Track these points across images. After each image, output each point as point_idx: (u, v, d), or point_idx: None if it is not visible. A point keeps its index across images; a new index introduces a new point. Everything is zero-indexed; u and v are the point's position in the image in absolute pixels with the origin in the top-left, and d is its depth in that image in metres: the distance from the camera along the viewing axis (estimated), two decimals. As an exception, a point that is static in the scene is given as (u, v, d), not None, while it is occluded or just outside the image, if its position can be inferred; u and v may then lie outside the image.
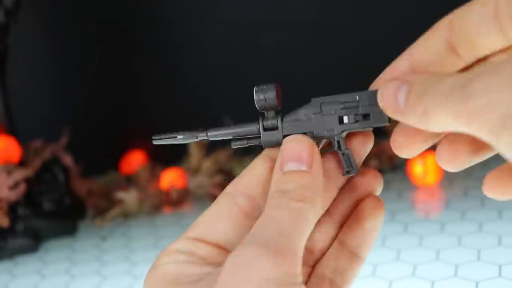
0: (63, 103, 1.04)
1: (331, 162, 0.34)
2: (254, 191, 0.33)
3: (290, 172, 0.31)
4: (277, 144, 0.34)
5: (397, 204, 0.82)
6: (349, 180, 0.34)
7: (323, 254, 0.35)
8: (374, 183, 0.34)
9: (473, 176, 0.85)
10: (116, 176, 1.01)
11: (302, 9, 1.00)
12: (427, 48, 0.31)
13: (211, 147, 0.95)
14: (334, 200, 0.34)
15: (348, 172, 0.33)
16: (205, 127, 0.35)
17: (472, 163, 0.30)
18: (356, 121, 0.33)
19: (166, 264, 0.31)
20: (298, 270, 0.28)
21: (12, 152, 0.84)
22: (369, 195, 0.34)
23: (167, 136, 0.35)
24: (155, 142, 0.36)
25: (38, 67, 1.02)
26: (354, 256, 0.34)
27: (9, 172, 0.83)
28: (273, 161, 0.33)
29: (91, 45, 1.02)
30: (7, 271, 0.80)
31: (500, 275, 0.61)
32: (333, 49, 1.00)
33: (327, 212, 0.35)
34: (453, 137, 0.30)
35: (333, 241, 0.35)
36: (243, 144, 0.35)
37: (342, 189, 0.34)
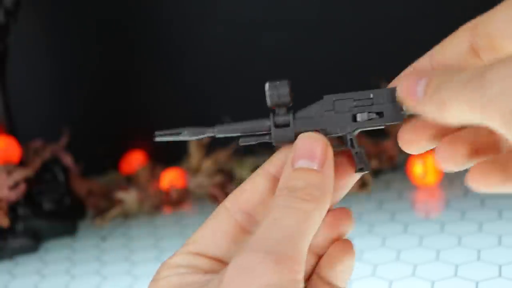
0: (63, 103, 1.04)
1: (341, 160, 0.34)
2: (254, 210, 0.33)
3: (300, 169, 0.31)
4: (289, 141, 0.33)
5: (397, 204, 0.82)
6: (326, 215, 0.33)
7: (307, 280, 0.35)
8: (345, 225, 0.34)
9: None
10: (116, 176, 1.01)
11: (302, 9, 1.00)
12: (449, 50, 0.31)
13: (211, 147, 0.95)
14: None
15: (361, 169, 0.33)
16: (206, 127, 0.35)
17: (471, 164, 0.30)
18: (370, 119, 0.33)
19: (168, 277, 0.31)
20: (300, 276, 0.28)
21: (12, 152, 0.84)
22: (339, 239, 0.34)
23: (171, 132, 0.34)
24: (157, 139, 0.34)
25: (38, 67, 1.02)
26: (332, 287, 0.34)
27: (9, 172, 0.83)
28: (275, 179, 0.33)
29: (91, 45, 1.02)
30: (7, 271, 0.80)
31: (500, 275, 0.61)
32: (333, 49, 1.00)
33: None
34: (454, 138, 0.30)
35: (313, 270, 0.34)
36: (252, 141, 0.34)
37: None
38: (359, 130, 0.33)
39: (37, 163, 0.87)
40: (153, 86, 1.03)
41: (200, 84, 1.02)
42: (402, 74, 0.33)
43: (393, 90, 0.32)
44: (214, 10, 1.00)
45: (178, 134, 0.34)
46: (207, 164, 0.94)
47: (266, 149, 0.86)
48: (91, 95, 1.04)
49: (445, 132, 0.31)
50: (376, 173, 0.91)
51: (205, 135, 0.34)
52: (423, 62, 0.32)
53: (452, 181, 0.86)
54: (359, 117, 0.33)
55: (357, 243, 0.72)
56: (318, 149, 0.31)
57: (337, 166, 0.32)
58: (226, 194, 0.45)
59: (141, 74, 1.03)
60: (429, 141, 0.31)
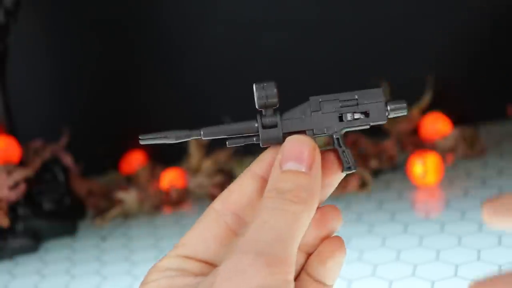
0: (63, 103, 1.04)
1: (327, 159, 0.34)
2: (243, 212, 0.33)
3: (289, 172, 0.31)
4: (277, 142, 0.34)
5: (397, 204, 0.82)
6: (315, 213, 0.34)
7: (295, 279, 0.35)
8: (333, 221, 0.34)
9: (473, 176, 0.85)
10: (116, 176, 1.01)
11: (302, 9, 1.00)
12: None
13: (211, 147, 0.95)
14: None
15: (349, 168, 0.34)
16: (192, 129, 0.35)
17: None
18: (356, 119, 0.34)
19: (157, 280, 0.31)
20: (290, 277, 0.29)
21: (12, 152, 0.84)
22: (331, 236, 0.34)
23: (156, 136, 0.34)
24: (142, 142, 0.35)
25: (38, 67, 1.02)
26: (321, 285, 0.34)
27: (9, 172, 0.83)
28: (263, 179, 0.33)
29: (91, 45, 1.02)
30: (7, 271, 0.80)
31: (500, 275, 0.61)
32: (333, 49, 1.00)
33: None
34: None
35: (302, 269, 0.35)
36: (239, 143, 0.34)
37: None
38: (345, 130, 0.34)
39: (37, 163, 0.87)
40: (153, 86, 1.03)
41: (200, 84, 1.02)
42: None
43: (378, 90, 0.33)
44: (214, 10, 1.00)
45: (163, 137, 0.34)
46: (207, 164, 0.94)
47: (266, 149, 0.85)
48: (91, 95, 1.04)
49: None
50: (376, 173, 0.91)
51: (191, 138, 0.34)
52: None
53: (452, 181, 0.86)
54: (345, 117, 0.34)
55: (357, 243, 0.72)
56: (306, 152, 0.31)
57: (323, 165, 0.33)
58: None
59: (141, 74, 1.03)
60: None
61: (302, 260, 0.34)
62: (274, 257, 0.28)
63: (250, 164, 0.34)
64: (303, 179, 0.31)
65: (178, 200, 0.92)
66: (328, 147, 0.34)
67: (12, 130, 0.87)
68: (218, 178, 0.92)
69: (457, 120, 0.96)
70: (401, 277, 0.64)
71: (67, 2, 1.00)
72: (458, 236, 0.70)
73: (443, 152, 0.92)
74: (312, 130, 0.34)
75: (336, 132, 0.34)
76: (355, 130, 0.35)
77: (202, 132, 0.34)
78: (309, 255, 0.35)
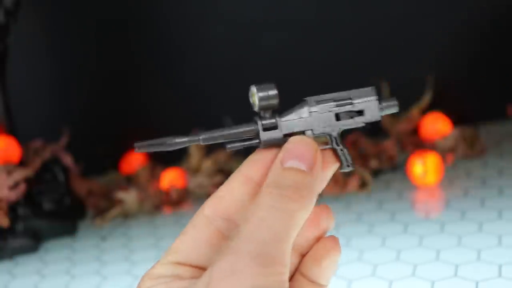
0: (63, 103, 1.04)
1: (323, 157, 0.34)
2: (234, 216, 0.33)
3: (291, 169, 0.31)
4: (278, 144, 0.34)
5: (397, 204, 0.82)
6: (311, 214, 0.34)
7: (290, 280, 0.35)
8: (326, 220, 0.34)
9: (473, 176, 0.85)
10: (116, 176, 1.01)
11: (302, 9, 1.00)
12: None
13: (211, 148, 0.95)
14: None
15: (347, 166, 0.34)
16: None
17: None
18: (352, 118, 0.34)
19: (153, 286, 0.31)
20: (285, 277, 0.29)
21: (12, 152, 0.84)
22: (324, 235, 0.34)
23: (152, 143, 0.33)
24: (137, 151, 0.33)
25: (38, 67, 1.02)
26: (316, 285, 0.34)
27: (9, 172, 0.83)
28: (253, 182, 0.33)
29: (91, 45, 1.02)
30: (7, 271, 0.80)
31: (500, 275, 0.61)
32: (333, 49, 1.00)
33: None
34: None
35: (296, 270, 0.35)
36: (239, 146, 0.34)
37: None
38: (342, 129, 0.35)
39: (37, 163, 0.87)
40: (153, 86, 1.03)
41: (200, 84, 1.02)
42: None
43: (370, 89, 0.34)
44: (214, 10, 1.00)
45: (160, 144, 0.33)
46: (207, 164, 0.94)
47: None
48: (91, 95, 1.04)
49: None
50: (376, 173, 0.91)
51: (190, 144, 0.34)
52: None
53: (452, 181, 0.86)
54: (341, 116, 0.34)
55: (357, 243, 0.72)
56: (309, 152, 0.32)
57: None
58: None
59: (141, 74, 1.03)
60: None
61: (296, 261, 0.34)
62: (270, 257, 0.28)
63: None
64: (304, 178, 0.31)
65: (178, 200, 0.92)
66: (326, 146, 0.34)
67: (12, 130, 0.87)
68: (218, 178, 0.92)
69: (457, 120, 0.96)
70: (401, 277, 0.64)
71: (67, 2, 1.00)
72: (458, 236, 0.70)
73: (443, 152, 0.92)
74: (312, 130, 0.34)
75: (333, 131, 0.34)
76: (353, 129, 0.35)
77: (201, 138, 0.34)
78: (303, 256, 0.35)
